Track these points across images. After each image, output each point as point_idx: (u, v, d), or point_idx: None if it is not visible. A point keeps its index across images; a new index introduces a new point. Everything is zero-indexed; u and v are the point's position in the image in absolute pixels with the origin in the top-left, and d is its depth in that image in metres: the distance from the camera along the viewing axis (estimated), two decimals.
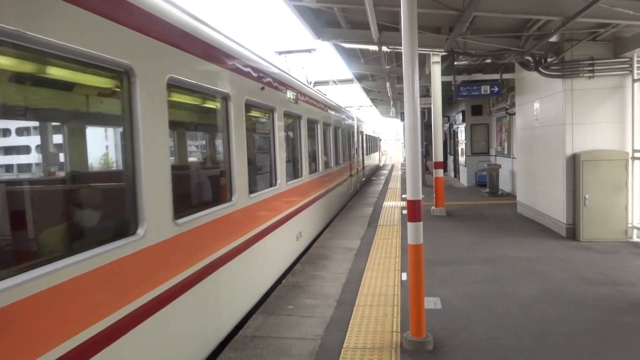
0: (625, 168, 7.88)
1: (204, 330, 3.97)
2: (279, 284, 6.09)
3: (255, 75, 5.51)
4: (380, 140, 40.33)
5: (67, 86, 3.12)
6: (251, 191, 5.23)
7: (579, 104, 8.19)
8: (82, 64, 2.71)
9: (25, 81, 2.80)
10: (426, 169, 18.32)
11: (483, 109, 17.50)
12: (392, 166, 36.71)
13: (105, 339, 2.63)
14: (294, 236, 7.25)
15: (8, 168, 4.03)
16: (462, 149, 19.24)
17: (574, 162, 8.16)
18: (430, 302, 5.16)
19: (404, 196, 14.19)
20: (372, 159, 28.09)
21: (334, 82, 25.45)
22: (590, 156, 7.98)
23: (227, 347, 4.23)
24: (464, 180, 18.60)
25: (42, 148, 3.65)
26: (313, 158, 9.37)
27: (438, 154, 11.60)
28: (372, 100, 28.39)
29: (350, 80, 21.95)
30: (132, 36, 3.00)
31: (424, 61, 12.09)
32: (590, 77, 8.13)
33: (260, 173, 6.28)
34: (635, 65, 7.91)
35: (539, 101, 9.59)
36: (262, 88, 5.76)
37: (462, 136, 19.09)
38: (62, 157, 3.69)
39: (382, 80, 17.39)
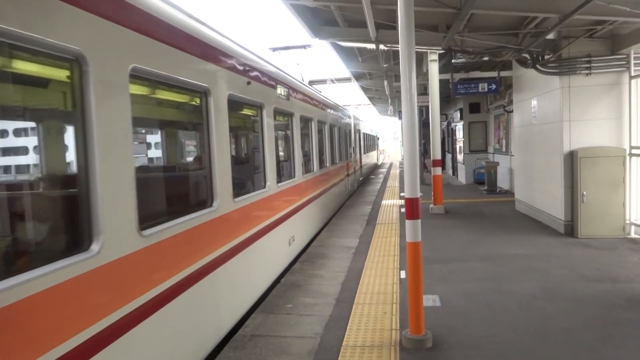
0: (622, 165, 7.90)
1: None
2: (268, 294, 5.73)
3: (240, 68, 5.13)
4: (379, 138, 40.39)
5: (3, 77, 2.58)
6: (236, 195, 4.85)
7: (576, 101, 8.21)
8: (22, 50, 2.36)
9: None
10: (424, 167, 18.32)
11: (481, 107, 17.55)
12: (391, 164, 36.75)
13: None
14: (286, 241, 6.86)
15: None
16: (460, 146, 19.28)
17: (571, 159, 8.18)
18: (429, 300, 5.17)
19: (402, 194, 14.20)
20: (370, 158, 28.09)
21: (332, 80, 25.38)
22: (587, 153, 8.00)
23: (227, 347, 4.23)
24: (462, 178, 18.64)
25: None
26: (307, 158, 9.06)
27: (436, 152, 11.63)
28: (370, 98, 28.39)
29: (348, 79, 21.86)
30: (83, 17, 2.62)
31: (421, 59, 12.09)
32: (587, 74, 8.14)
33: (247, 175, 5.95)
34: (632, 62, 7.92)
35: (537, 98, 9.60)
36: (249, 83, 5.38)
37: (460, 134, 19.13)
38: None
39: (379, 78, 17.38)
